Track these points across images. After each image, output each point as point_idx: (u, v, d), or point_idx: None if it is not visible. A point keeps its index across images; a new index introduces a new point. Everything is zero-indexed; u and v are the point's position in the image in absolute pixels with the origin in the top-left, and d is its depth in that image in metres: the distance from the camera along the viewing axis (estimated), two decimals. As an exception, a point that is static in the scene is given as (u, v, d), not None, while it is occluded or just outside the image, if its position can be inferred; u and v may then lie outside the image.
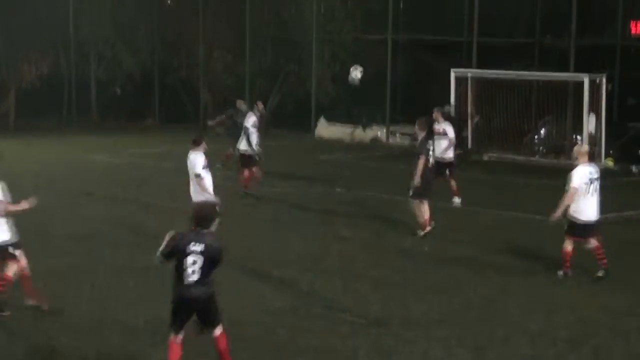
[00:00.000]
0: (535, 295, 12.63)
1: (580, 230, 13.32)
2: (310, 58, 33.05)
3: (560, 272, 13.46)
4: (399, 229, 16.88)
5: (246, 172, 19.77)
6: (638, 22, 28.69)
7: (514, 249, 15.39)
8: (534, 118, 27.58)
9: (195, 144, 14.91)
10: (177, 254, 9.01)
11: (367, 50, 32.34)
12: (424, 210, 16.18)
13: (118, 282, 12.98)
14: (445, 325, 11.24)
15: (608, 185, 18.24)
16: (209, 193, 14.41)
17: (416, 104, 30.87)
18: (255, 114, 20.42)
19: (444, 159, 18.79)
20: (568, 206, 13.15)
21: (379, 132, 31.87)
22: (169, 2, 38.62)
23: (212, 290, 9.15)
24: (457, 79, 27.79)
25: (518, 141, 27.11)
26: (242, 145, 19.84)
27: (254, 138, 19.72)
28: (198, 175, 14.61)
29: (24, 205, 11.42)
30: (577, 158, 13.36)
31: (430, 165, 16.07)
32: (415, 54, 31.57)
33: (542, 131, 26.97)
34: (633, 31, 28.88)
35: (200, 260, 8.98)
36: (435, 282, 13.26)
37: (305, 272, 13.64)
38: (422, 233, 16.10)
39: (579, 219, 13.25)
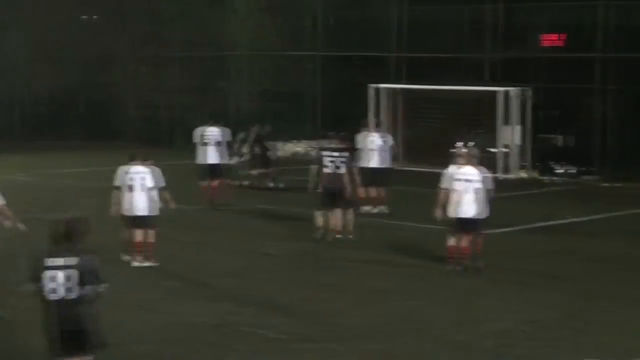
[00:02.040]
0: (461, 306, 12.55)
1: (458, 225, 14.21)
2: (238, 74, 32.82)
3: (449, 267, 14.30)
4: (326, 244, 16.67)
5: (215, 183, 20.38)
6: (553, 35, 29.13)
7: (439, 259, 15.34)
8: (461, 131, 27.75)
9: (135, 159, 14.83)
10: (39, 272, 8.18)
11: (295, 66, 32.28)
12: (324, 219, 16.49)
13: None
14: (374, 339, 11.07)
15: (523, 195, 18.50)
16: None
17: (340, 119, 30.93)
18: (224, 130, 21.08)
19: (374, 169, 19.43)
20: (446, 204, 14.14)
21: (302, 147, 31.73)
22: (94, 17, 38.00)
23: (82, 309, 8.19)
24: (381, 93, 27.85)
25: (445, 154, 27.22)
26: (213, 159, 20.39)
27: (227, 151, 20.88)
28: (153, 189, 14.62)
29: None
30: (457, 160, 14.44)
31: (328, 175, 16.38)
32: (338, 69, 31.57)
33: (471, 144, 27.08)
34: (549, 44, 29.31)
35: (66, 275, 8.12)
36: (362, 294, 13.10)
37: (230, 289, 13.38)
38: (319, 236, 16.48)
39: (457, 216, 14.15)
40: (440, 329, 11.55)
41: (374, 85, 27.90)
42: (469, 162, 14.48)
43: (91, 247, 8.34)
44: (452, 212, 14.22)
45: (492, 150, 25.18)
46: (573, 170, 26.21)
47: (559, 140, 27.44)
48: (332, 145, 17.00)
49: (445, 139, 26.98)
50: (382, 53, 30.30)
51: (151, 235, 14.69)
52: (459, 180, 14.24)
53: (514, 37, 28.62)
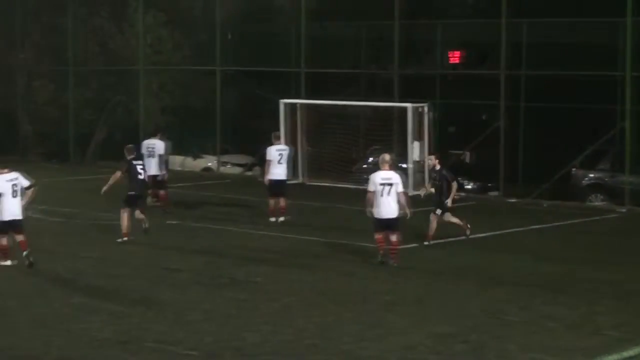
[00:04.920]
0: (367, 321, 12.78)
1: (380, 225, 16.09)
2: (137, 89, 32.62)
3: (379, 259, 16.19)
4: (232, 259, 16.80)
5: (162, 193, 22.48)
6: (455, 52, 29.83)
7: (345, 274, 15.59)
8: (362, 146, 28.20)
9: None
10: None
11: (196, 81, 32.26)
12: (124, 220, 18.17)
13: None
14: (279, 356, 11.18)
15: (428, 211, 18.89)
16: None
17: (246, 134, 31.08)
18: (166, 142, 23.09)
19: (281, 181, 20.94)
20: (372, 205, 15.89)
21: (210, 162, 31.85)
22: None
23: None
24: (287, 108, 28.09)
25: (347, 169, 27.63)
26: (154, 170, 22.14)
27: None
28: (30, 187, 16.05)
29: None
30: (380, 165, 16.21)
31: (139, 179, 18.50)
32: (244, 84, 31.70)
33: (370, 160, 27.52)
34: (450, 60, 30.02)
35: None
36: (268, 312, 13.21)
37: (136, 304, 13.34)
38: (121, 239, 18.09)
39: (379, 216, 15.96)
40: (346, 344, 11.72)
41: (284, 101, 28.13)
42: (391, 167, 16.34)
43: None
44: (375, 213, 15.98)
45: (403, 166, 25.65)
46: (477, 187, 26.91)
47: (466, 156, 28.09)
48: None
49: (345, 155, 27.50)
50: (285, 68, 30.56)
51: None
52: (382, 184, 15.92)
53: (417, 53, 29.23)
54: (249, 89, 31.59)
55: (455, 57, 29.81)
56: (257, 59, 30.64)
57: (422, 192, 19.40)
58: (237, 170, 31.69)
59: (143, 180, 18.82)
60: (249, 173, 30.73)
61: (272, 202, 21.00)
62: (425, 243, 18.20)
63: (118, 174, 18.56)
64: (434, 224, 18.36)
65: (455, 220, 18.76)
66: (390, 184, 16.00)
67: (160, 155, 22.46)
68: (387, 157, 16.46)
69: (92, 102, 33.78)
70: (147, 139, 23.74)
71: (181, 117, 31.76)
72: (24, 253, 15.75)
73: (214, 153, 31.90)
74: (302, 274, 15.70)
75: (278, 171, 21.06)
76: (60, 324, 12.18)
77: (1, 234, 15.82)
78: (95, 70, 33.68)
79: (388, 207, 15.97)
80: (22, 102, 34.67)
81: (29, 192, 16.03)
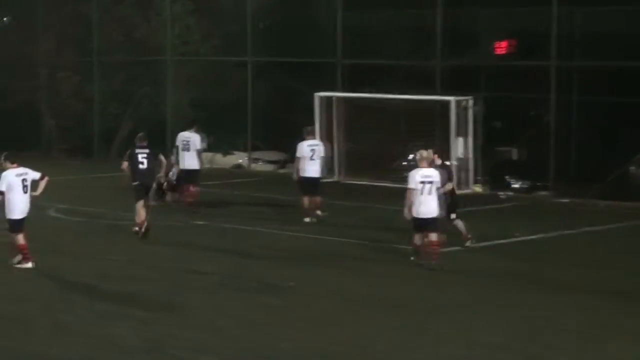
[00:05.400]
0: (408, 329, 12.73)
1: (419, 225, 16.25)
2: (165, 81, 32.78)
3: (412, 258, 16.43)
4: (263, 261, 16.87)
5: (191, 188, 22.37)
6: (502, 42, 29.65)
7: (383, 277, 15.58)
8: (401, 143, 28.12)
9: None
10: None
11: (226, 72, 32.35)
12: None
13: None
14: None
15: (475, 212, 18.84)
16: None
17: (279, 129, 31.08)
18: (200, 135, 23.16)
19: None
20: (411, 204, 16.06)
21: (241, 159, 31.95)
22: (3, 20, 37.61)
23: None
24: (322, 102, 28.09)
25: (387, 167, 27.58)
26: (188, 164, 22.40)
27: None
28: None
29: None
30: (418, 163, 16.41)
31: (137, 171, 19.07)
32: (277, 76, 31.74)
33: (411, 157, 27.43)
34: (497, 51, 29.83)
35: None
36: (302, 318, 13.20)
37: (162, 310, 13.42)
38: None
39: (417, 215, 16.11)
40: (386, 353, 11.74)
41: (319, 94, 28.13)
42: (430, 164, 16.47)
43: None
44: (415, 212, 16.12)
45: (447, 163, 25.52)
46: (526, 185, 26.75)
47: (513, 153, 27.94)
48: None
49: (383, 152, 27.41)
50: (320, 59, 30.55)
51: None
52: (421, 182, 16.09)
53: (461, 43, 29.07)
54: (281, 82, 31.62)
55: (502, 47, 29.60)
56: (291, 50, 30.64)
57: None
58: (270, 167, 31.78)
59: (146, 169, 19.12)
60: (282, 170, 30.77)
61: (305, 201, 21.03)
62: (467, 244, 18.06)
63: (125, 164, 19.16)
64: (460, 224, 18.06)
65: (460, 225, 18.07)
66: (431, 182, 16.14)
67: (197, 150, 22.58)
68: (424, 153, 16.53)
69: (117, 95, 34.01)
70: (182, 131, 23.39)
71: (210, 111, 31.86)
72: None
73: (244, 149, 31.99)
74: (338, 278, 15.71)
75: (311, 168, 21.05)
76: (82, 330, 12.27)
77: (16, 233, 15.85)
78: (120, 61, 33.89)
79: (428, 206, 16.12)
80: (45, 95, 34.95)
81: (42, 182, 16.06)
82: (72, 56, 34.50)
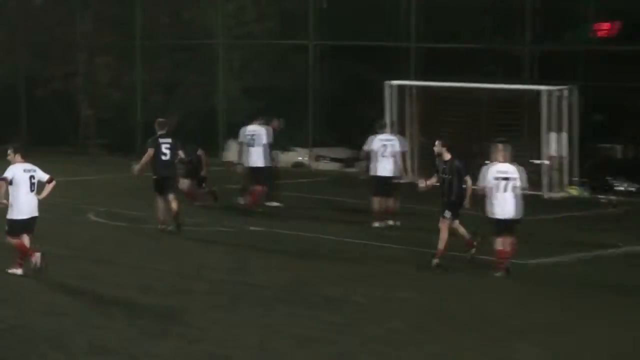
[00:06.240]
0: (490, 352, 12.64)
1: (496, 226, 16.20)
2: (216, 67, 32.99)
3: (498, 274, 16.24)
4: (326, 273, 16.89)
5: (258, 188, 22.82)
6: (604, 23, 29.31)
7: (463, 292, 15.45)
8: (485, 138, 27.90)
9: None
10: None
11: (285, 58, 32.47)
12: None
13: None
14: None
15: (571, 217, 18.64)
16: None
17: (345, 122, 31.08)
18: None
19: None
20: (485, 203, 16.15)
21: (301, 156, 31.98)
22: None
23: None
24: (394, 91, 28.04)
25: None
26: (255, 162, 22.72)
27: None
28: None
29: None
30: (494, 157, 16.36)
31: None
32: (342, 62, 31.76)
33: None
34: (598, 34, 29.50)
35: None
36: (370, 338, 13.15)
37: (211, 327, 13.46)
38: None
39: (494, 215, 16.16)
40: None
41: (390, 82, 28.13)
42: (506, 159, 16.39)
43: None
44: (490, 211, 16.23)
45: (536, 162, 25.38)
46: (633, 188, 26.38)
47: (617, 150, 27.61)
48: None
49: (464, 148, 27.20)
50: (392, 43, 30.50)
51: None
52: (496, 178, 16.13)
53: (555, 24, 28.85)
54: (347, 68, 31.64)
55: (603, 29, 29.30)
56: (358, 32, 30.67)
57: (421, 184, 17.94)
58: (335, 166, 31.77)
59: (167, 161, 19.59)
60: (350, 170, 30.76)
61: (376, 203, 20.95)
62: (435, 261, 17.06)
63: (151, 151, 19.67)
64: (444, 233, 17.09)
65: (462, 230, 17.52)
66: (507, 179, 16.03)
67: (264, 145, 22.87)
68: (501, 146, 16.53)
69: (161, 83, 34.31)
70: (248, 124, 23.47)
71: (267, 101, 31.95)
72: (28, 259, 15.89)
73: (306, 145, 32.03)
74: (412, 292, 15.65)
75: (384, 166, 21.04)
76: (122, 349, 12.32)
77: (14, 236, 15.76)
78: (165, 45, 34.18)
79: (504, 206, 16.09)
80: (81, 83, 35.37)
81: (49, 185, 16.06)
82: (112, 39, 34.86)
